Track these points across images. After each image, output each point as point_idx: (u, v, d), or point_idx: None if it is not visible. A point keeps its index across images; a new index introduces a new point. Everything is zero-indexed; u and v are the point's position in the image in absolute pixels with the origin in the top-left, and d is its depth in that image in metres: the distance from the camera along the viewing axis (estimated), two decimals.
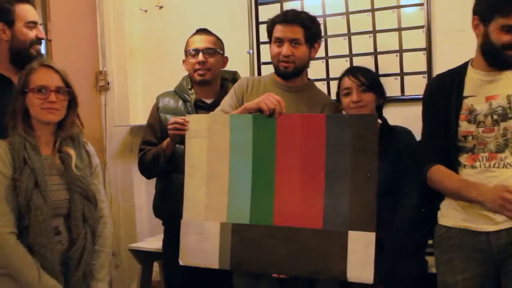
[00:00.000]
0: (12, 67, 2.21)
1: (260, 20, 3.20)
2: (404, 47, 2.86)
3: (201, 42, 2.58)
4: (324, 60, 3.05)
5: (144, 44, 3.66)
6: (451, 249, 2.00)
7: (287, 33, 2.22)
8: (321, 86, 2.75)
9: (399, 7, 2.87)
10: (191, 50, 2.57)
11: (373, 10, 2.92)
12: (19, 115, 1.91)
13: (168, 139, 2.38)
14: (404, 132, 2.26)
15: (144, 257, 3.17)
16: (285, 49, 2.21)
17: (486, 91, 1.98)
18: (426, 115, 2.13)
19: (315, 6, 3.00)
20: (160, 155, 2.44)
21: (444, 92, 2.05)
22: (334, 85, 2.32)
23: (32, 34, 2.23)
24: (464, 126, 2.00)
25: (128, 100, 3.64)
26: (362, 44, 2.95)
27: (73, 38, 3.53)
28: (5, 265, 1.83)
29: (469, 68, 2.04)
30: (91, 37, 3.68)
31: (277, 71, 2.30)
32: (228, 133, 2.11)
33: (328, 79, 3.03)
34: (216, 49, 2.58)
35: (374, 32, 2.92)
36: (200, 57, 2.54)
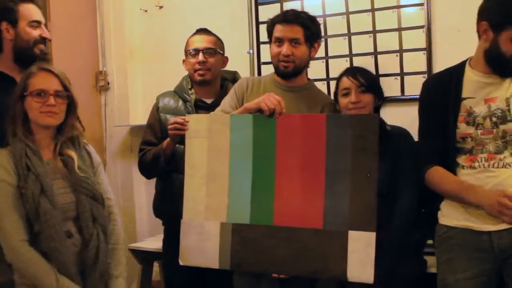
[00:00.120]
0: (16, 67, 2.21)
1: (260, 20, 3.20)
2: (404, 47, 2.86)
3: (201, 42, 2.58)
4: (324, 60, 3.05)
5: (144, 44, 3.66)
6: (452, 248, 2.00)
7: (287, 33, 2.22)
8: (321, 86, 2.75)
9: (399, 7, 2.87)
10: (191, 50, 2.57)
11: (373, 10, 2.92)
12: (18, 119, 1.91)
13: (168, 139, 2.37)
14: (402, 133, 2.25)
15: (144, 257, 3.17)
16: (285, 48, 2.22)
17: (484, 93, 1.98)
18: (423, 115, 2.12)
19: (315, 6, 3.00)
20: (160, 155, 2.44)
21: (442, 93, 2.04)
22: (334, 85, 2.31)
23: (35, 33, 2.23)
24: (462, 128, 1.99)
25: (128, 100, 3.64)
26: (362, 44, 2.95)
27: (73, 38, 3.52)
28: (22, 273, 1.84)
29: (467, 68, 2.03)
30: (91, 37, 3.68)
31: (277, 71, 2.30)
32: (228, 133, 2.11)
33: (328, 79, 3.03)
34: (216, 49, 2.58)
35: (374, 32, 2.92)
36: (200, 57, 2.54)
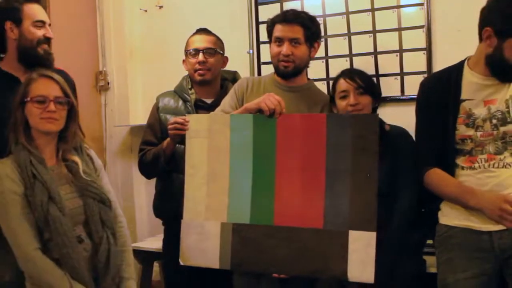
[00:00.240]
0: (21, 66, 2.22)
1: (260, 20, 3.20)
2: (404, 47, 2.86)
3: (201, 42, 2.57)
4: (324, 60, 3.05)
5: (144, 44, 3.66)
6: (452, 248, 2.00)
7: (287, 33, 2.22)
8: (321, 86, 2.75)
9: (399, 7, 2.87)
10: (191, 50, 2.57)
11: (373, 10, 2.92)
12: (20, 126, 1.90)
13: (168, 139, 2.37)
14: (401, 133, 2.25)
15: (144, 257, 3.17)
16: (285, 48, 2.22)
17: (484, 95, 1.97)
18: (421, 115, 2.11)
19: (315, 6, 3.00)
20: (160, 155, 2.44)
21: (440, 94, 2.02)
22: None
23: (39, 33, 2.23)
24: (462, 130, 1.99)
25: (128, 100, 3.64)
26: (362, 44, 2.95)
27: (73, 38, 3.52)
28: (36, 281, 1.84)
29: (466, 69, 2.01)
30: (91, 37, 3.68)
31: (277, 71, 2.30)
32: (229, 133, 2.11)
33: (328, 79, 3.03)
34: (216, 49, 2.58)
35: (374, 32, 2.92)
36: (200, 57, 2.54)
